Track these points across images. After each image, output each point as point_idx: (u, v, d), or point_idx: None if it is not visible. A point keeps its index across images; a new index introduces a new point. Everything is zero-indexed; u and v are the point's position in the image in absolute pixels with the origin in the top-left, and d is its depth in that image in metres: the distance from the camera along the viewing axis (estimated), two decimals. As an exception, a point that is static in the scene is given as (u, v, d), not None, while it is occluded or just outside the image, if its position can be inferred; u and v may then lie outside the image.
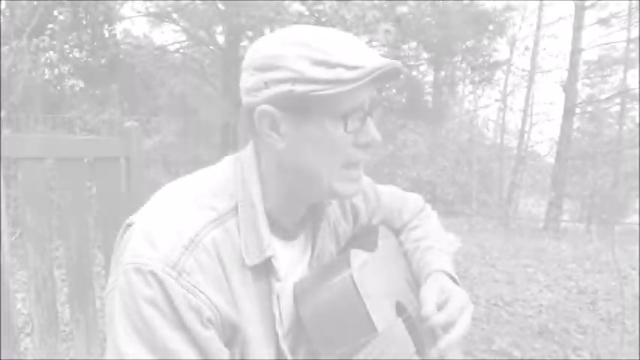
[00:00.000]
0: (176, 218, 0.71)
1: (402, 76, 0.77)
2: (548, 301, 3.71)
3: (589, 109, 13.29)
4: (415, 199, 1.17)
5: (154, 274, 0.65)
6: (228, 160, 0.83)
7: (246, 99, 0.77)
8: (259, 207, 0.77)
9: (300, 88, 0.69)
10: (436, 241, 1.06)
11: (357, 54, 0.72)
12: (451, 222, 9.10)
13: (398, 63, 0.73)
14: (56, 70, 6.60)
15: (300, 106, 0.72)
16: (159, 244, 0.68)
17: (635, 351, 2.71)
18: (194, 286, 0.67)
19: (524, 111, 15.19)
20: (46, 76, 6.41)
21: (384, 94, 11.42)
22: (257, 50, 0.75)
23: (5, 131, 5.07)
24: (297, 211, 0.84)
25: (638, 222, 10.15)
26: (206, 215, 0.72)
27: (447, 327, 0.84)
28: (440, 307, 0.87)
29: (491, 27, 10.29)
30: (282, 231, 0.83)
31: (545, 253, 5.71)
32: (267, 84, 0.72)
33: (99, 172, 1.15)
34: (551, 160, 12.54)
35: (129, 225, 0.77)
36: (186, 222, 0.71)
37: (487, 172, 12.42)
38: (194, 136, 5.72)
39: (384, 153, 12.78)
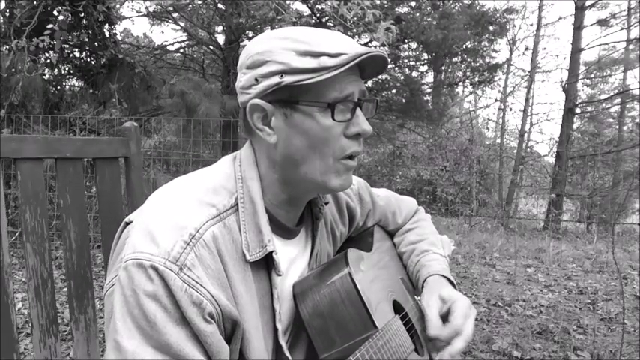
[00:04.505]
0: (176, 215, 0.71)
1: (387, 67, 0.78)
2: (548, 301, 3.71)
3: (589, 109, 13.28)
4: (409, 203, 1.18)
5: (155, 268, 0.65)
6: (226, 160, 0.83)
7: (240, 98, 0.79)
8: (259, 203, 0.77)
9: (288, 78, 0.71)
10: (431, 244, 1.08)
11: (340, 43, 0.74)
12: (451, 222, 9.10)
13: (382, 51, 0.74)
14: (56, 70, 6.59)
15: (290, 98, 0.74)
16: (160, 240, 0.67)
17: (635, 351, 2.71)
18: (195, 281, 0.66)
19: (524, 111, 15.22)
20: (46, 76, 6.40)
21: (384, 94, 11.41)
22: (247, 50, 0.77)
23: (5, 131, 5.07)
24: (295, 208, 0.84)
25: (638, 222, 10.15)
26: (206, 212, 0.72)
27: (453, 337, 0.87)
28: (443, 317, 0.90)
29: (491, 28, 10.29)
30: (281, 230, 0.83)
31: (545, 253, 5.70)
32: (257, 79, 0.74)
33: (98, 172, 1.15)
34: (551, 160, 12.54)
35: (127, 223, 0.77)
36: (187, 218, 0.70)
37: (487, 172, 12.41)
38: (194, 136, 5.70)
39: (384, 153, 12.78)
